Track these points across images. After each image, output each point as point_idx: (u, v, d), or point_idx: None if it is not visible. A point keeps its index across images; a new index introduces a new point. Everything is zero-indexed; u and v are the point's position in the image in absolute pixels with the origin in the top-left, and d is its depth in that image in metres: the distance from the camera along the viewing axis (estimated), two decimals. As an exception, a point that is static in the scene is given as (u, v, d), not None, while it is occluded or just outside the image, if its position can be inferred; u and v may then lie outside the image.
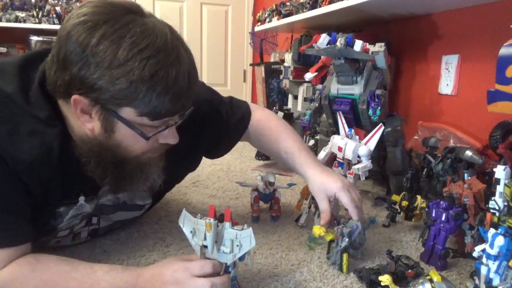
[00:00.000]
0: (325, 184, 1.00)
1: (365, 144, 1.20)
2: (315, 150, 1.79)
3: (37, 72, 0.79)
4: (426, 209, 1.10)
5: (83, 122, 0.76)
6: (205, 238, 0.77)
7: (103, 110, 0.74)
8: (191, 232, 0.79)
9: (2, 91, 0.75)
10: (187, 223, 0.80)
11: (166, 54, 0.71)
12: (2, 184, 0.73)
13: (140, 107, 0.73)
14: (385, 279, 0.79)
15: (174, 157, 0.92)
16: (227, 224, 0.77)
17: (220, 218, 0.77)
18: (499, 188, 0.80)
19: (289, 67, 2.38)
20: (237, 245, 0.75)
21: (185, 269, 0.75)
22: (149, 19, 0.74)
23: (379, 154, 1.42)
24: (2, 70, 0.78)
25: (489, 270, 0.77)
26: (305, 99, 2.31)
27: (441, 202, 0.98)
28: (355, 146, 1.18)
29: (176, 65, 0.72)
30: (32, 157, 0.73)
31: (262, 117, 1.17)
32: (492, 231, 0.76)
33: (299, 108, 2.38)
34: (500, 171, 0.80)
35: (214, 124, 1.08)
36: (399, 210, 1.22)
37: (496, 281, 0.77)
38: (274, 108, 2.26)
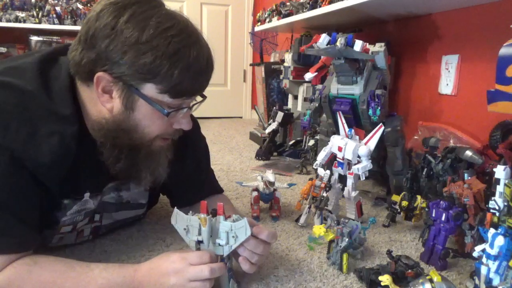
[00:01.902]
0: None
1: (365, 144, 1.20)
2: (315, 150, 1.80)
3: (60, 68, 0.81)
4: (426, 209, 1.10)
5: (103, 102, 0.78)
6: (199, 234, 0.78)
7: (125, 87, 0.76)
8: (185, 229, 0.80)
9: (23, 90, 0.76)
10: (179, 221, 0.81)
11: (188, 35, 0.77)
12: (18, 192, 0.74)
13: (162, 83, 0.76)
14: (385, 279, 0.79)
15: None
16: (221, 218, 0.78)
17: (212, 213, 0.79)
18: (499, 188, 0.80)
19: (289, 67, 2.38)
20: (233, 236, 0.78)
21: (182, 259, 0.76)
22: (170, 9, 0.80)
23: (379, 154, 1.42)
24: (21, 69, 0.79)
25: (489, 270, 0.77)
26: (305, 99, 2.31)
27: (441, 202, 0.98)
28: (355, 146, 1.18)
29: (196, 46, 0.78)
30: (52, 158, 0.75)
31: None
32: (492, 231, 0.76)
33: (299, 108, 2.38)
34: (500, 171, 0.80)
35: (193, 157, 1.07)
36: (399, 210, 1.22)
37: (496, 281, 0.77)
38: (274, 108, 2.26)
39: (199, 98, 0.88)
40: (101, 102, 0.79)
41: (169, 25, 0.74)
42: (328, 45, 1.27)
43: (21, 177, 0.73)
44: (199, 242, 0.79)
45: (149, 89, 0.77)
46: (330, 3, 1.74)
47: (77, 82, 0.81)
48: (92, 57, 0.75)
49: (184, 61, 0.75)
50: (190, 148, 1.04)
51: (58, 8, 3.14)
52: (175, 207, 0.82)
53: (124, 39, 0.73)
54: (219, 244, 0.78)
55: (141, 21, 0.73)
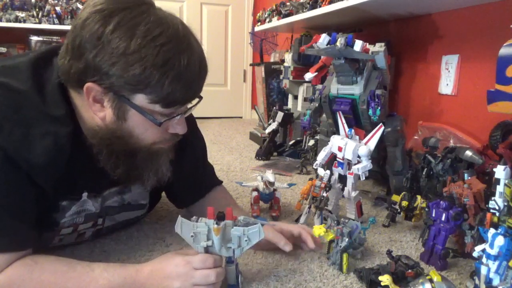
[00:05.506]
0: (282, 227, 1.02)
1: (365, 144, 1.19)
2: (315, 150, 1.79)
3: (53, 69, 0.80)
4: (426, 209, 1.10)
5: (95, 111, 0.77)
6: (208, 239, 0.78)
7: (115, 97, 0.75)
8: (192, 236, 0.79)
9: (17, 90, 0.75)
10: (185, 229, 0.80)
11: (178, 42, 0.74)
12: (14, 190, 0.73)
13: (153, 94, 0.74)
14: (385, 279, 0.79)
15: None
16: (231, 223, 0.78)
17: (219, 217, 0.78)
18: (499, 188, 0.80)
19: (289, 67, 2.38)
20: (246, 240, 0.78)
21: (187, 263, 0.76)
22: (161, 11, 0.76)
23: (379, 154, 1.42)
24: (15, 68, 0.78)
25: (489, 270, 0.77)
26: (305, 99, 2.31)
27: (441, 202, 0.98)
28: (355, 146, 1.18)
29: (187, 52, 0.74)
30: (46, 159, 0.74)
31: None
32: (492, 231, 0.76)
33: (299, 108, 2.38)
34: (500, 171, 0.80)
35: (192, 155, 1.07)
36: (399, 210, 1.22)
37: (496, 281, 0.77)
38: (274, 108, 2.26)
39: (195, 100, 0.86)
40: (93, 111, 0.77)
41: (157, 32, 0.71)
42: (328, 45, 1.27)
43: (16, 176, 0.73)
44: (208, 247, 0.79)
45: (140, 99, 0.75)
46: (330, 3, 1.74)
47: (68, 87, 0.79)
48: (81, 67, 0.73)
49: (175, 70, 0.72)
50: (189, 147, 1.03)
51: (58, 8, 3.14)
52: (179, 216, 0.80)
53: (112, 49, 0.70)
54: (231, 247, 0.79)
55: (128, 30, 0.70)
